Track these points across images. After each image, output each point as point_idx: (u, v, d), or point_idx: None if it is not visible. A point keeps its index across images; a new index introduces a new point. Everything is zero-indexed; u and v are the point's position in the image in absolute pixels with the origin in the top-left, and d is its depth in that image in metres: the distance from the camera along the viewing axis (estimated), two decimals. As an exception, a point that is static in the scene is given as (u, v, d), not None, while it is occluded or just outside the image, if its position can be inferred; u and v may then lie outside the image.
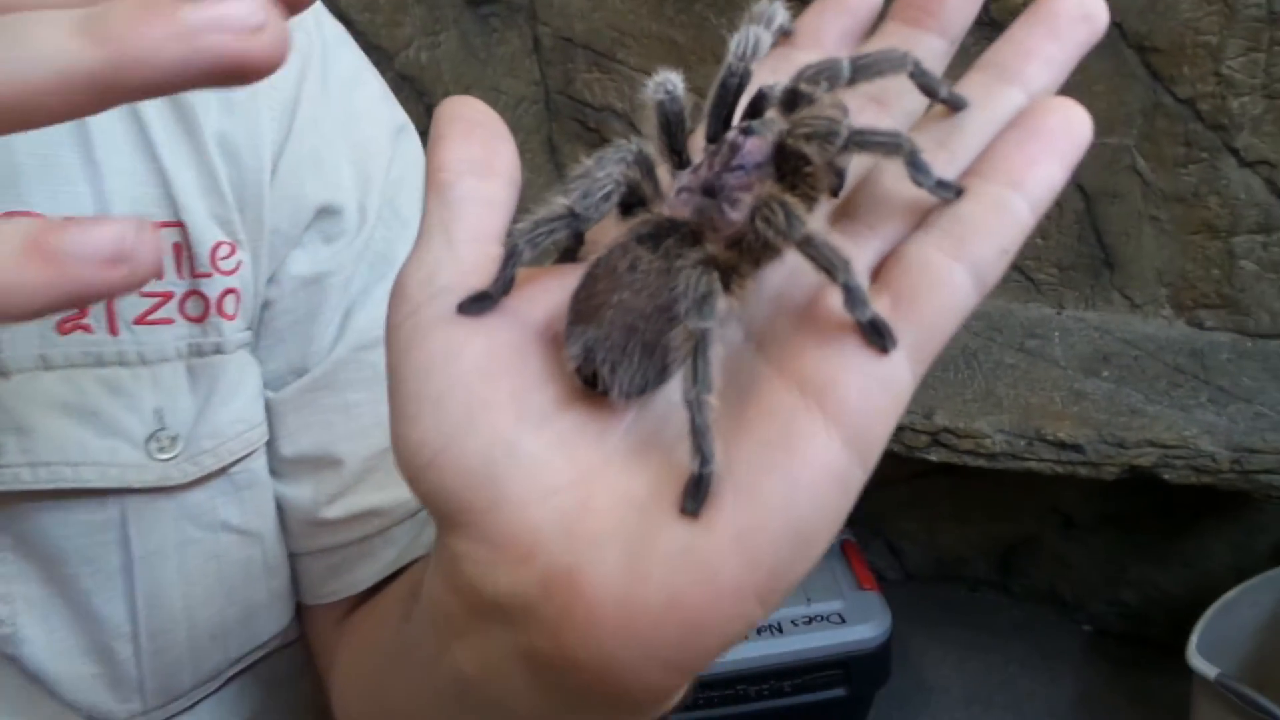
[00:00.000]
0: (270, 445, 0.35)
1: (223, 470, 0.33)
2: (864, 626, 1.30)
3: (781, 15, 0.25)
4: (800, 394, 0.20)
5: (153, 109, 0.32)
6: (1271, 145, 1.25)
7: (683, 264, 0.21)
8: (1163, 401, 1.24)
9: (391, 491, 0.36)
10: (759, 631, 1.25)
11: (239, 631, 0.35)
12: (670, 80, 0.24)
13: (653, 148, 0.24)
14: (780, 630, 1.28)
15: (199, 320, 0.32)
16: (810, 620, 1.30)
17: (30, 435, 0.29)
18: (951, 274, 0.21)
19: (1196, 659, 1.07)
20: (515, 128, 0.96)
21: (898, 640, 1.34)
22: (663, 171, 0.24)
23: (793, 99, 0.23)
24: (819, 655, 1.28)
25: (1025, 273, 1.64)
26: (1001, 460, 1.26)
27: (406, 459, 0.20)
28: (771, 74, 0.25)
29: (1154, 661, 1.45)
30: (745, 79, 0.24)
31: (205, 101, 0.33)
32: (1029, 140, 0.22)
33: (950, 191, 0.22)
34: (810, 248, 0.20)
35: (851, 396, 0.20)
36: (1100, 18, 0.24)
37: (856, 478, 0.20)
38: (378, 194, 0.36)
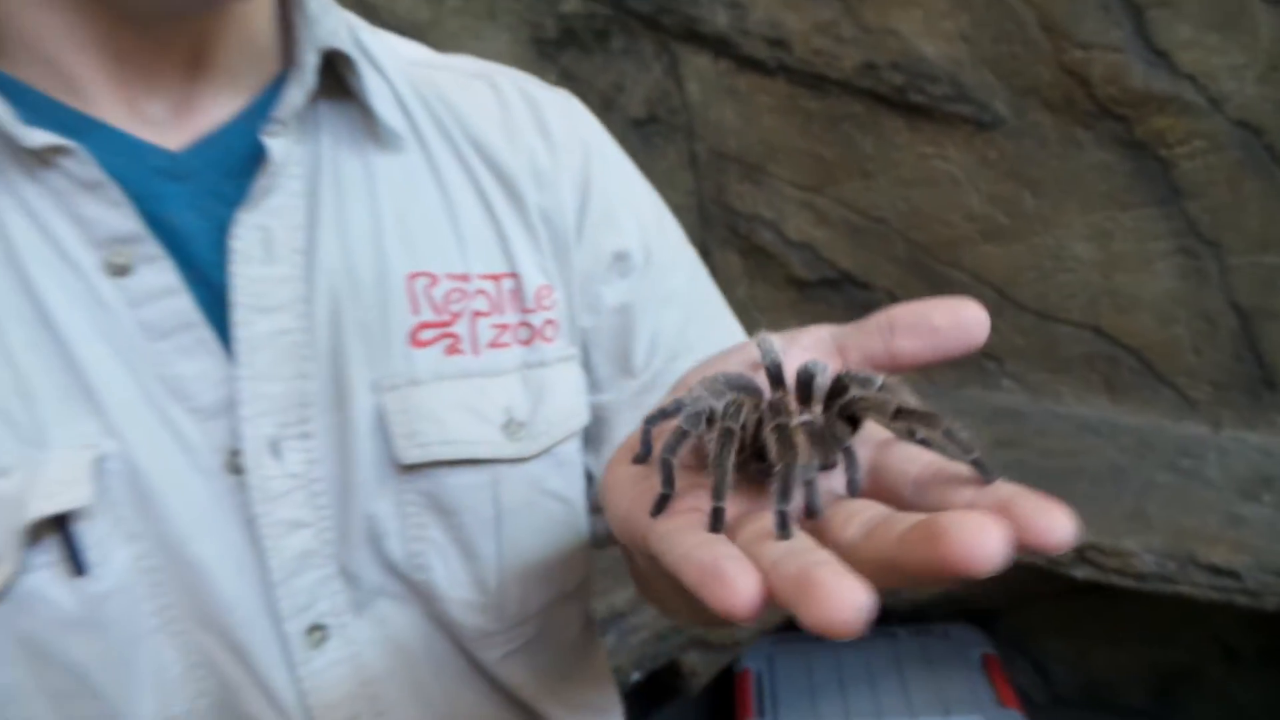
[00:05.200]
0: (607, 434, 0.45)
1: (550, 449, 0.43)
2: (1002, 744, 1.26)
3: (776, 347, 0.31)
4: None
5: (493, 190, 0.42)
6: None
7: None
8: (1329, 530, 1.18)
9: None
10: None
11: (559, 574, 0.45)
12: (767, 341, 0.31)
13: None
14: (915, 741, 1.27)
15: (527, 344, 0.42)
16: (947, 734, 1.28)
17: (440, 423, 0.39)
18: None
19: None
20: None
21: (1040, 765, 1.29)
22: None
23: (840, 385, 0.29)
24: (954, 770, 1.25)
25: (1179, 389, 1.60)
26: (1151, 582, 1.22)
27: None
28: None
29: (1333, 816, 1.32)
30: (779, 366, 0.30)
31: (527, 181, 0.43)
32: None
33: (987, 474, 0.25)
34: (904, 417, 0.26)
35: None
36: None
37: None
38: (652, 240, 0.47)
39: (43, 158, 0.33)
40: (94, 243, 0.34)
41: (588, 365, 0.46)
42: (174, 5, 0.33)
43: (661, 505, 0.27)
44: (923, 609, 1.54)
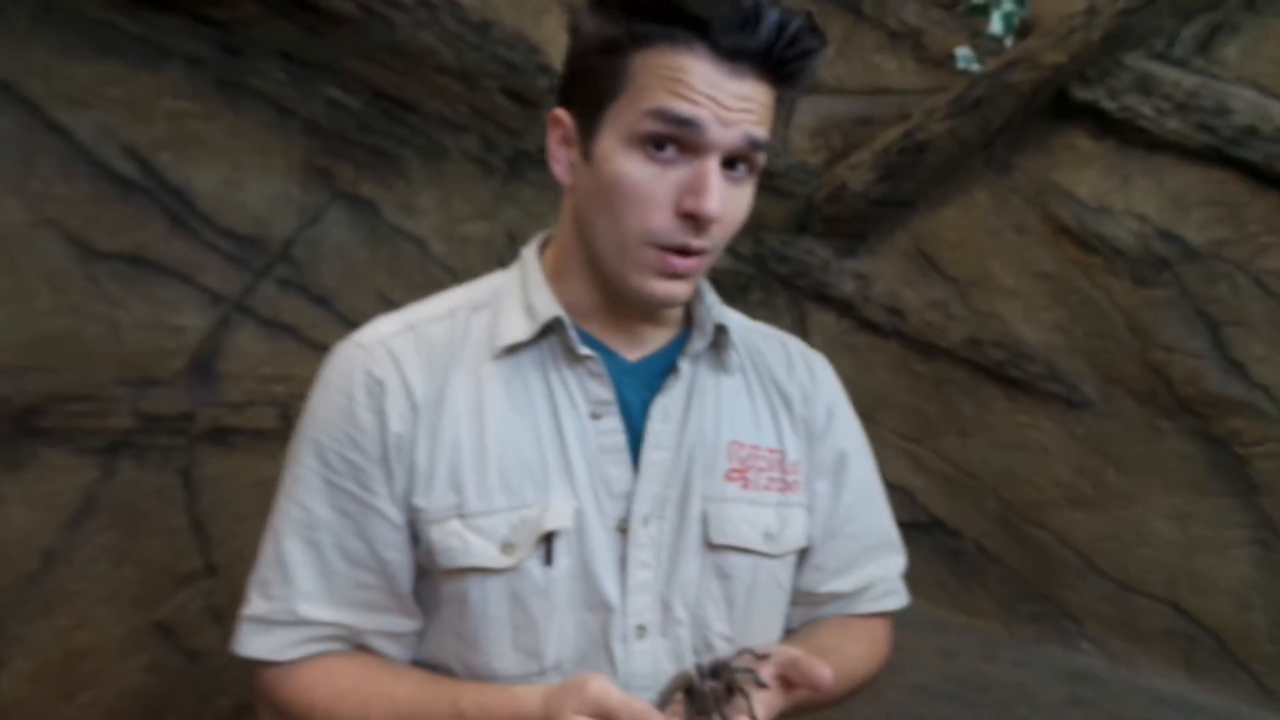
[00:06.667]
0: (810, 554, 0.72)
1: (784, 555, 0.69)
2: None
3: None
4: None
5: (777, 402, 0.71)
6: None
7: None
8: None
9: (847, 581, 0.73)
10: None
11: (772, 630, 0.70)
12: (741, 658, 0.58)
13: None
14: None
15: (782, 492, 0.69)
16: None
17: (735, 525, 0.66)
18: None
19: None
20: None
21: None
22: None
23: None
24: None
25: (1255, 676, 1.64)
26: None
27: None
28: None
29: None
30: (726, 665, 0.58)
31: (797, 400, 0.72)
32: None
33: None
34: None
35: None
36: None
37: None
38: (856, 447, 0.76)
39: (580, 360, 0.64)
40: (589, 401, 0.64)
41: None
42: (642, 306, 0.65)
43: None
44: None
